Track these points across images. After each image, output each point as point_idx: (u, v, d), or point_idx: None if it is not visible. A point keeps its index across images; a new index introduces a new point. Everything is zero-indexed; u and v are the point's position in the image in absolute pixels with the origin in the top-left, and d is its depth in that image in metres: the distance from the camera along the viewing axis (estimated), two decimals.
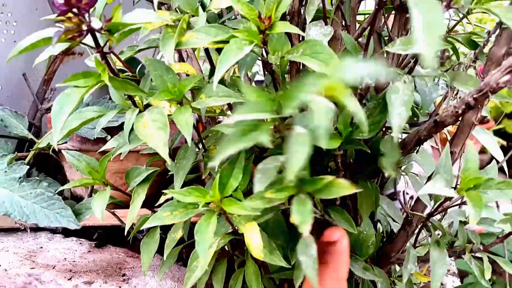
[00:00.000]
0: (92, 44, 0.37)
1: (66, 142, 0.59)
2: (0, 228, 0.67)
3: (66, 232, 0.68)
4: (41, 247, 0.65)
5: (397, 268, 0.46)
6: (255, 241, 0.34)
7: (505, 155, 0.48)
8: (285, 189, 0.32)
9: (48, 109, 0.85)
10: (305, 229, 0.28)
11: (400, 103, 0.33)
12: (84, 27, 0.35)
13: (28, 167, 0.44)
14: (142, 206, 0.48)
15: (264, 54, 0.39)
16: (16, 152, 0.61)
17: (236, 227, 0.37)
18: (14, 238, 0.67)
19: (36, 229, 0.67)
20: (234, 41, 0.33)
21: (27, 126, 0.65)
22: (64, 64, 0.88)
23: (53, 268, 0.60)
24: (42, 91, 0.86)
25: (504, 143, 1.47)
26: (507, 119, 1.58)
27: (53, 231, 0.67)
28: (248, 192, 0.42)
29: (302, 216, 0.29)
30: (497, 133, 1.54)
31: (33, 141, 0.66)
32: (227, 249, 0.53)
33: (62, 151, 0.46)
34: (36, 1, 0.81)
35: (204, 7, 0.41)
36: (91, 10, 0.35)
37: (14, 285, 0.60)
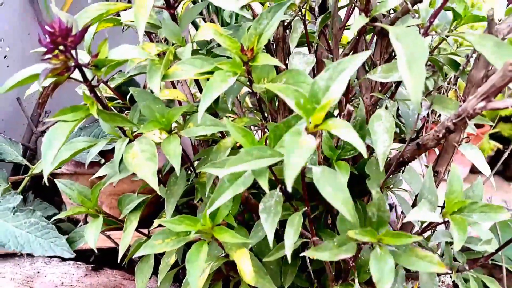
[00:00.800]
0: (80, 78, 0.38)
1: (61, 167, 0.59)
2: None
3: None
4: (38, 272, 0.65)
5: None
6: (245, 267, 0.35)
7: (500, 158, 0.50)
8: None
9: (43, 132, 0.86)
10: (385, 286, 0.29)
11: (383, 130, 0.33)
12: (71, 63, 0.35)
13: (21, 197, 0.45)
14: (139, 227, 0.49)
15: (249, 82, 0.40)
16: (9, 182, 0.61)
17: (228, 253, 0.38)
18: (11, 264, 0.68)
19: (30, 254, 0.67)
20: (218, 74, 0.34)
21: (21, 152, 0.65)
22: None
23: None
24: (37, 114, 0.86)
25: (500, 146, 1.48)
26: (502, 122, 1.59)
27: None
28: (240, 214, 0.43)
29: (381, 275, 0.30)
30: (492, 136, 1.55)
31: (27, 166, 0.66)
32: (222, 269, 0.53)
33: (55, 180, 0.47)
34: (29, 27, 0.82)
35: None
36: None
37: None
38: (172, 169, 0.50)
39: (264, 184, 0.32)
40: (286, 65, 0.46)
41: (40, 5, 0.80)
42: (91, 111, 0.38)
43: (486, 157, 1.39)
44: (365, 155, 0.27)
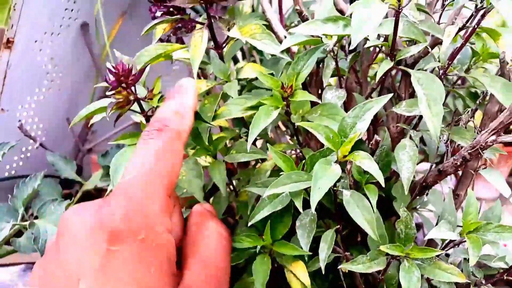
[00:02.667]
0: (138, 109, 0.44)
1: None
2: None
3: None
4: None
5: None
6: (302, 278, 0.40)
7: None
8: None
9: (89, 150, 0.93)
10: None
11: (407, 158, 0.38)
12: (132, 98, 0.42)
13: None
14: None
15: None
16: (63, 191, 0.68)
17: (283, 266, 0.42)
18: None
19: None
20: (263, 109, 0.39)
21: (75, 169, 0.72)
22: None
23: None
24: (84, 134, 0.94)
25: None
26: None
27: None
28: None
29: (409, 285, 0.35)
30: None
31: (78, 181, 0.73)
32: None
33: None
34: (79, 53, 0.90)
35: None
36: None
37: None
38: (213, 189, 0.56)
39: (298, 204, 0.37)
40: (319, 96, 0.51)
41: (92, 36, 0.88)
42: None
43: None
44: (382, 184, 0.32)
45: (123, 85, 0.40)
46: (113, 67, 0.38)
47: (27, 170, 0.90)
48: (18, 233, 0.65)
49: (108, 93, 0.40)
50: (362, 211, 0.34)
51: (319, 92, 0.50)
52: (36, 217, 0.55)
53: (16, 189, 0.60)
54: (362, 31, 0.32)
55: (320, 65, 0.50)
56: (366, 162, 0.32)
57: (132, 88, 0.41)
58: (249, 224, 0.39)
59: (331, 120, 0.40)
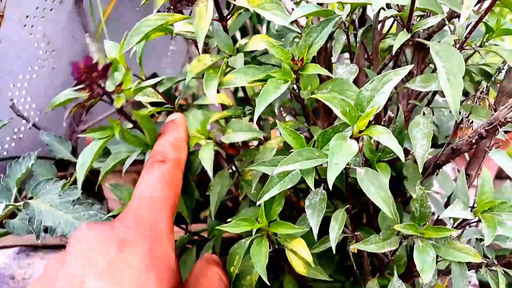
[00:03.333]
0: None
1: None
2: (46, 245, 0.72)
3: None
4: None
5: (420, 280, 0.49)
6: (304, 255, 0.39)
7: None
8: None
9: (84, 131, 0.91)
10: (427, 277, 0.33)
11: (422, 135, 0.37)
12: (100, 92, 0.40)
13: (81, 191, 0.49)
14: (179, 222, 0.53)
15: (295, 88, 0.43)
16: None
17: (283, 246, 0.41)
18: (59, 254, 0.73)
19: None
20: (271, 81, 0.37)
21: (70, 150, 0.70)
22: None
23: None
24: (78, 115, 0.91)
25: None
26: None
27: None
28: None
29: (424, 265, 0.34)
30: None
31: (74, 162, 0.71)
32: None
33: (104, 185, 0.51)
34: (73, 31, 0.87)
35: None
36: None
37: None
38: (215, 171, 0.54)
39: (310, 182, 0.35)
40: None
41: (86, 13, 0.85)
42: (115, 132, 0.42)
43: None
44: (403, 159, 0.31)
45: (87, 81, 0.38)
46: (75, 63, 0.37)
47: (19, 151, 0.87)
48: (12, 215, 0.63)
49: (73, 88, 0.39)
50: (377, 189, 0.32)
51: (328, 68, 0.49)
52: (31, 198, 0.53)
53: (9, 168, 0.58)
54: None
55: (328, 40, 0.48)
56: (384, 137, 0.30)
57: (100, 82, 0.40)
58: (258, 203, 0.37)
59: (342, 96, 0.38)
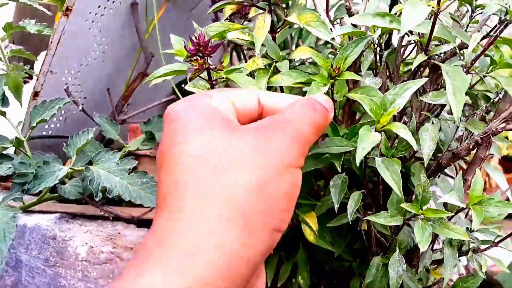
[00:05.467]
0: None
1: (151, 148, 0.73)
2: (84, 215, 0.81)
3: (139, 224, 0.81)
4: (119, 233, 0.79)
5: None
6: (313, 226, 0.47)
7: None
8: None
9: (124, 121, 1.01)
10: (424, 247, 0.41)
11: (429, 138, 0.46)
12: (205, 66, 0.49)
13: (137, 162, 0.58)
14: None
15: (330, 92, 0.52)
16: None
17: (298, 216, 0.50)
18: (96, 224, 0.81)
19: (114, 218, 0.81)
20: (315, 84, 0.46)
21: (119, 132, 0.79)
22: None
23: (131, 249, 0.74)
24: (120, 105, 1.01)
25: None
26: None
27: (128, 221, 0.80)
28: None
29: (422, 238, 0.42)
30: None
31: (120, 144, 0.80)
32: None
33: None
34: (125, 31, 0.97)
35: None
36: None
37: (98, 259, 0.74)
38: None
39: (338, 164, 0.44)
40: (353, 84, 0.58)
41: (140, 16, 0.95)
42: None
43: None
44: (415, 147, 0.40)
45: (200, 54, 0.47)
46: (195, 37, 0.46)
47: (62, 132, 0.97)
48: (62, 183, 0.72)
49: (184, 59, 0.48)
50: (391, 173, 0.41)
51: (355, 81, 0.58)
52: (90, 163, 0.63)
53: (70, 139, 0.67)
54: (408, 25, 0.39)
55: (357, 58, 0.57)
56: (402, 131, 0.39)
57: (206, 58, 0.49)
58: None
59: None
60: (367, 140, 0.39)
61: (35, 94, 0.89)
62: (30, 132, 0.75)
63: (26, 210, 0.74)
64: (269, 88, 0.51)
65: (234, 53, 1.13)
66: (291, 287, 0.63)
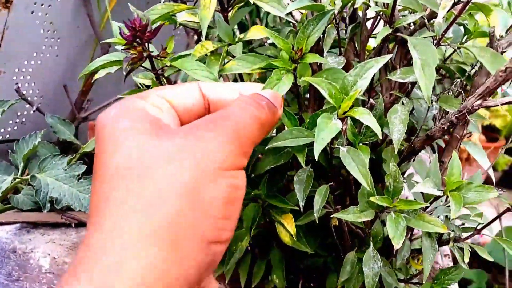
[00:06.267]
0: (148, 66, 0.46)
1: None
2: (46, 223, 0.76)
3: None
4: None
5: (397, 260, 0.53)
6: (290, 229, 0.43)
7: None
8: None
9: (85, 118, 0.95)
10: (398, 243, 0.37)
11: (399, 121, 0.41)
12: (145, 54, 0.43)
13: (86, 167, 0.52)
14: None
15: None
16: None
17: (274, 217, 0.46)
18: (59, 232, 0.76)
19: (77, 224, 0.75)
20: (275, 72, 0.41)
21: (74, 132, 0.74)
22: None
23: None
24: (80, 101, 0.95)
25: None
26: None
27: None
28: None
29: (395, 233, 0.38)
30: (508, 151, 1.59)
31: (76, 145, 0.75)
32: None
33: None
34: (79, 20, 0.90)
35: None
36: None
37: (63, 271, 0.69)
38: None
39: (302, 159, 0.39)
40: (317, 65, 0.53)
41: (92, 3, 0.89)
42: None
43: (500, 171, 1.45)
44: (379, 135, 0.35)
45: (138, 40, 0.41)
46: (130, 21, 0.40)
47: (22, 134, 0.90)
48: (16, 191, 0.66)
49: (122, 48, 0.42)
50: (357, 164, 0.37)
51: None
52: (37, 173, 0.57)
53: (16, 145, 0.62)
54: None
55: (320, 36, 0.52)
56: (365, 117, 0.34)
57: (146, 44, 0.43)
58: (252, 176, 0.41)
59: (333, 82, 0.42)
60: (326, 129, 0.34)
61: None
62: None
63: None
64: (242, 78, 0.46)
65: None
66: (268, 286, 0.59)
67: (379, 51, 0.46)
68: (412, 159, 0.48)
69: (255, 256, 0.59)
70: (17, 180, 0.57)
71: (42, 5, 0.82)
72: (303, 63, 0.43)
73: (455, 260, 0.50)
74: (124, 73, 0.42)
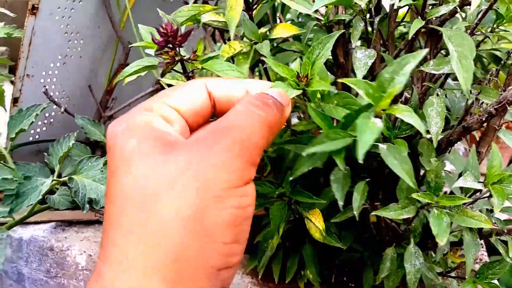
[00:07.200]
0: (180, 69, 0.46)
1: None
2: (81, 221, 0.78)
3: None
4: None
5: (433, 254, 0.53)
6: (318, 224, 0.43)
7: None
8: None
9: (111, 116, 0.96)
10: (442, 240, 0.36)
11: (436, 114, 0.40)
12: (178, 58, 0.43)
13: (105, 159, 0.53)
14: None
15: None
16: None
17: (301, 214, 0.45)
18: (93, 229, 0.78)
19: None
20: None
21: (103, 132, 0.75)
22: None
23: None
24: (105, 101, 0.96)
25: None
26: None
27: None
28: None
29: (439, 230, 0.37)
30: None
31: (104, 144, 0.76)
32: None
33: None
34: (99, 21, 0.91)
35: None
36: None
37: None
38: None
39: (340, 162, 0.38)
40: (344, 58, 0.53)
41: (112, 4, 0.89)
42: None
43: None
44: (424, 134, 0.34)
45: (170, 45, 0.42)
46: (162, 27, 0.40)
47: (50, 135, 0.92)
48: (51, 192, 0.68)
49: (155, 53, 0.42)
50: (400, 162, 0.36)
51: (345, 54, 0.52)
52: (74, 174, 0.58)
53: (51, 148, 0.63)
54: None
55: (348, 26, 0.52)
56: (406, 114, 0.34)
57: (177, 49, 0.43)
58: (290, 179, 0.41)
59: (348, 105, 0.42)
60: (368, 130, 0.33)
61: (15, 100, 0.84)
62: (11, 144, 0.71)
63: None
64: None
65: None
66: (300, 281, 0.59)
67: (410, 42, 0.45)
68: (448, 151, 0.47)
69: (287, 251, 0.59)
70: (54, 182, 0.59)
71: (65, 9, 0.82)
72: (310, 90, 0.41)
73: (489, 252, 0.50)
74: (159, 78, 0.43)
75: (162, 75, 0.45)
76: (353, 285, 0.61)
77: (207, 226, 0.26)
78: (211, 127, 0.29)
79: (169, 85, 0.57)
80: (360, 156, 0.33)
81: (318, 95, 0.43)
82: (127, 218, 0.26)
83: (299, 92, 0.40)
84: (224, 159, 0.27)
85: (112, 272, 0.26)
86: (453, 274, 0.49)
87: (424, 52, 0.35)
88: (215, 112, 0.33)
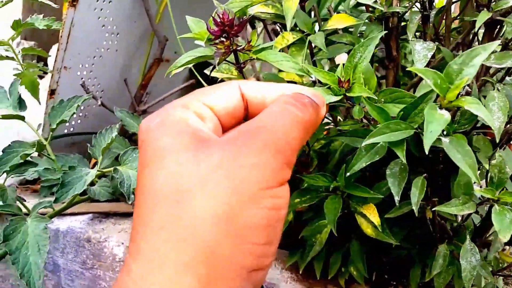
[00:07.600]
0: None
1: None
2: (117, 213, 0.78)
3: None
4: None
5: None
6: (373, 219, 0.42)
7: None
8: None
9: (144, 111, 0.96)
10: (505, 236, 0.36)
11: (497, 108, 0.39)
12: (232, 48, 0.43)
13: None
14: None
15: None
16: None
17: (353, 209, 0.45)
18: (129, 221, 0.78)
19: None
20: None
21: None
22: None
23: None
24: (139, 95, 0.97)
25: None
26: None
27: None
28: None
29: (502, 226, 0.36)
30: None
31: None
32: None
33: None
34: (136, 15, 0.91)
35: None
36: None
37: None
38: None
39: (401, 154, 0.37)
40: (397, 51, 0.52)
41: None
42: None
43: None
44: (493, 127, 0.33)
45: (225, 35, 0.41)
46: (218, 16, 0.39)
47: (85, 128, 0.93)
48: (91, 183, 0.69)
49: (209, 43, 0.42)
50: (463, 156, 0.35)
51: (397, 46, 0.51)
52: (118, 165, 0.59)
53: (94, 139, 0.63)
54: None
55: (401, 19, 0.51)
56: (474, 106, 0.33)
57: (232, 38, 0.43)
58: (347, 174, 0.41)
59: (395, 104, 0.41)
60: (435, 121, 0.33)
61: (52, 92, 0.85)
62: (51, 135, 0.71)
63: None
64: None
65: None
66: (341, 277, 0.58)
67: (467, 34, 0.44)
68: (503, 148, 0.46)
69: (330, 247, 0.59)
70: (99, 172, 0.59)
71: (103, 1, 0.83)
72: (351, 95, 0.40)
73: None
74: (217, 67, 0.42)
75: (217, 65, 0.45)
76: (394, 283, 0.60)
77: (240, 226, 0.25)
78: (245, 126, 0.29)
79: (205, 79, 0.57)
80: (427, 146, 0.32)
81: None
82: (159, 214, 0.26)
83: (340, 97, 0.39)
84: (258, 159, 0.26)
85: (142, 268, 0.26)
86: (504, 272, 0.48)
87: (496, 44, 0.34)
88: (248, 115, 0.33)
